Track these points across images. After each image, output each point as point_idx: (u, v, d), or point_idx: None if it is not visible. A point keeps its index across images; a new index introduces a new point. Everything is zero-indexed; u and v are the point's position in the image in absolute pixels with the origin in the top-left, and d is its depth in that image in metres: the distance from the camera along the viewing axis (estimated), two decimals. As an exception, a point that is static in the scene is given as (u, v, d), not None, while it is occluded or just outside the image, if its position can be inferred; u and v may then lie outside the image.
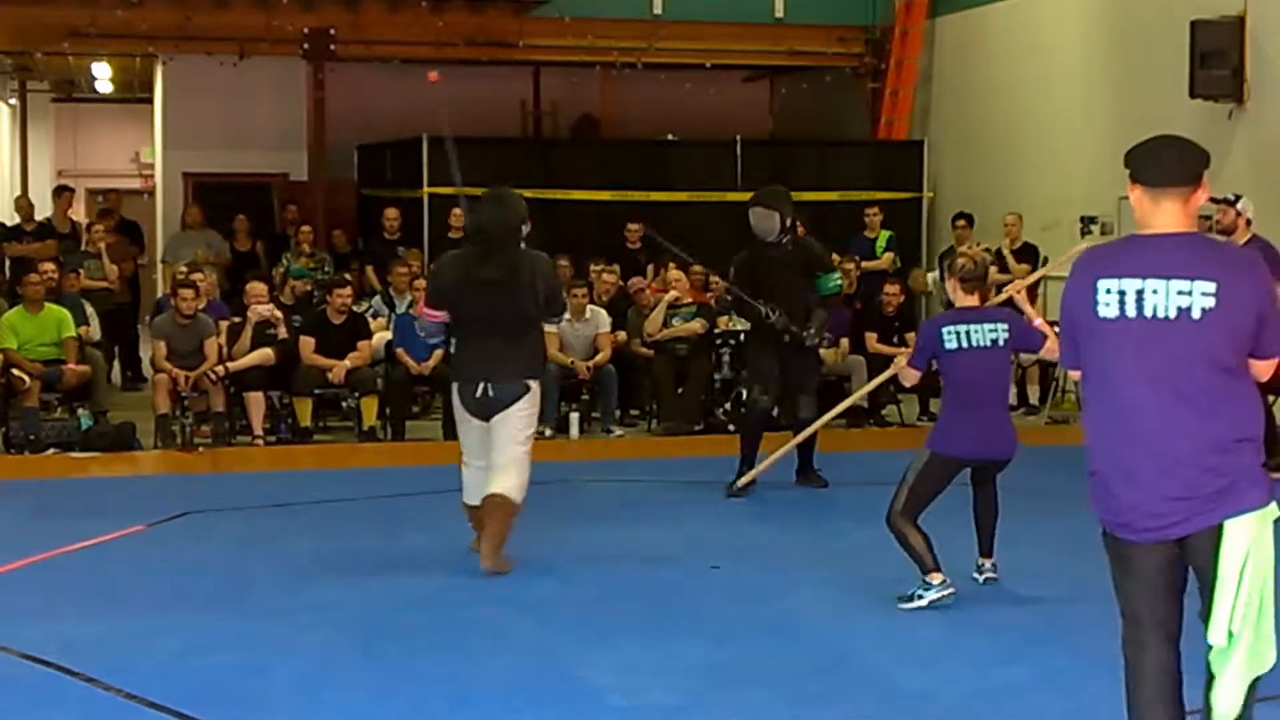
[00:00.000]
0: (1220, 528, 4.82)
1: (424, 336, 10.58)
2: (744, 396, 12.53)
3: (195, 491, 11.95)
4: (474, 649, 7.63)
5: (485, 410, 9.10)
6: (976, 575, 8.77)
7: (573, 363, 15.09)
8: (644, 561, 9.66)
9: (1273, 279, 4.95)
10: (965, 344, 8.45)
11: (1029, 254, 16.99)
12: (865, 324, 16.06)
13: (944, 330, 8.51)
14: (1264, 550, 4.86)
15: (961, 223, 17.63)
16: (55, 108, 29.98)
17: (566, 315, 15.17)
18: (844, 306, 16.14)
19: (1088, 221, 16.55)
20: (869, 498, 11.82)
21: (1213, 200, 13.63)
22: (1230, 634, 4.84)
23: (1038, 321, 8.89)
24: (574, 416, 15.11)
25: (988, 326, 8.48)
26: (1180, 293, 4.80)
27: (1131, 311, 4.84)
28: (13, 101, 26.60)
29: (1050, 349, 8.51)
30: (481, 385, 9.05)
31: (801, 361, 11.84)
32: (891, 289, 16.16)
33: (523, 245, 9.20)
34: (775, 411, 12.11)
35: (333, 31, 18.73)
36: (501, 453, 9.14)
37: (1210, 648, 4.91)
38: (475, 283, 9.01)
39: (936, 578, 8.24)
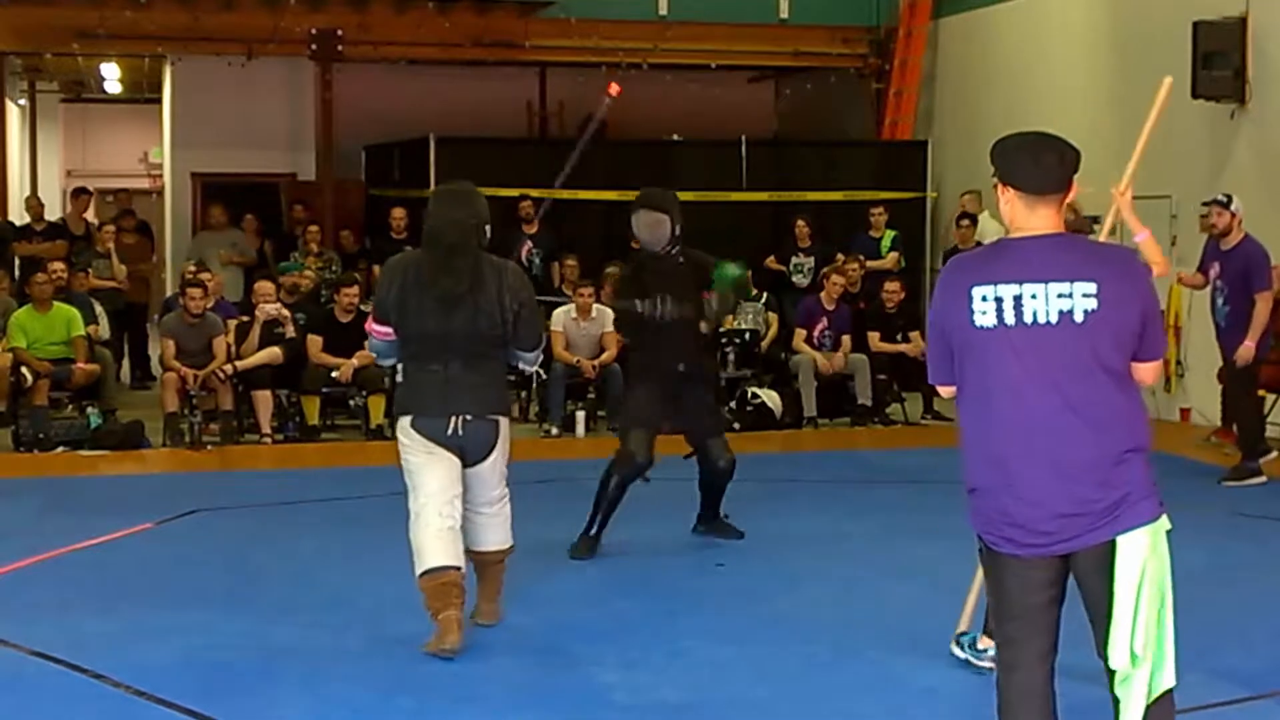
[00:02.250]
0: (1113, 544, 4.62)
1: (375, 360, 8.46)
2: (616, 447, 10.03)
3: (203, 489, 12.01)
4: (479, 646, 7.64)
5: (452, 444, 7.62)
6: None
7: (578, 361, 15.16)
8: (649, 559, 9.73)
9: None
10: None
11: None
12: (868, 322, 16.13)
13: None
14: (1159, 565, 4.67)
15: (965, 223, 17.68)
16: (64, 108, 30.01)
17: (572, 314, 15.26)
18: (847, 305, 16.24)
19: (1090, 221, 16.56)
20: (872, 496, 11.96)
21: (1205, 203, 13.74)
22: (1134, 655, 4.64)
23: (1141, 237, 8.12)
24: (580, 415, 15.20)
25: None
26: (1061, 295, 4.60)
27: (1010, 319, 4.62)
28: (22, 102, 26.65)
29: (1160, 272, 7.12)
30: (452, 422, 7.57)
31: (698, 398, 9.99)
32: (892, 287, 16.22)
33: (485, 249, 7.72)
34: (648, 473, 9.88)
35: (340, 32, 18.76)
36: (493, 500, 7.96)
37: (1113, 673, 4.72)
38: (431, 294, 7.50)
39: (986, 644, 7.26)
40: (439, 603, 7.44)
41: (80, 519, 10.71)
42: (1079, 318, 4.59)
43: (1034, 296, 4.60)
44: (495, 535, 8.01)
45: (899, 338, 16.03)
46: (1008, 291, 4.62)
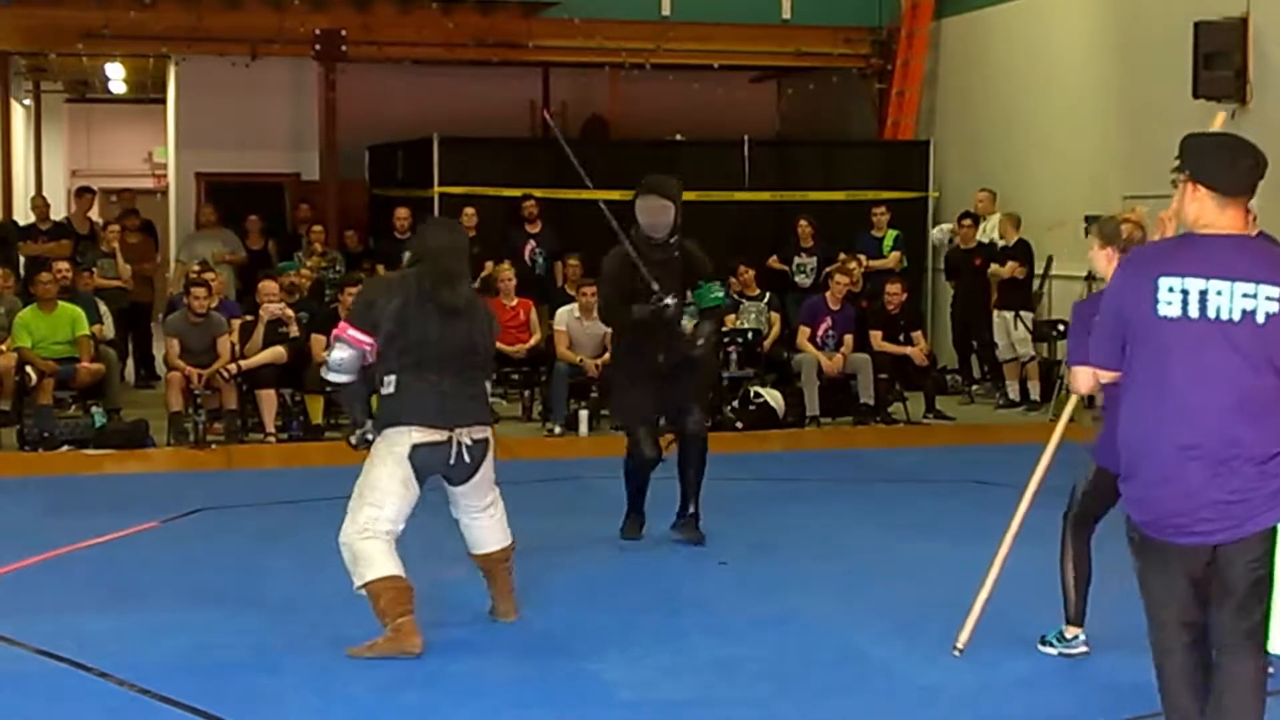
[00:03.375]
0: (1274, 530, 4.77)
1: (329, 369, 8.08)
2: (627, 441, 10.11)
3: (208, 488, 12.04)
4: (483, 644, 7.70)
5: (455, 475, 7.90)
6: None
7: (581, 361, 15.19)
8: (652, 557, 9.75)
9: None
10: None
11: (1023, 252, 17.07)
12: (871, 322, 16.17)
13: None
14: None
15: (967, 222, 17.72)
16: (69, 108, 30.07)
17: (575, 314, 15.30)
18: (851, 304, 16.27)
19: (1092, 221, 16.57)
20: (874, 494, 11.98)
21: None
22: None
23: None
24: (583, 414, 15.22)
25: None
26: (1245, 295, 4.76)
27: (1194, 312, 4.77)
28: (27, 102, 26.67)
29: None
30: (455, 445, 7.75)
31: (688, 377, 9.94)
32: (893, 288, 16.25)
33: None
34: (663, 456, 10.02)
35: (344, 32, 18.78)
36: (485, 505, 8.18)
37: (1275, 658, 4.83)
38: (432, 306, 7.76)
39: (1073, 632, 7.51)
40: (400, 607, 7.56)
41: (85, 518, 10.72)
42: (1260, 319, 4.76)
43: (1219, 293, 4.76)
44: (495, 536, 8.19)
45: (901, 338, 16.06)
46: (1194, 285, 4.78)
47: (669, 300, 9.49)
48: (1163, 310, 4.79)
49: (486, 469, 7.99)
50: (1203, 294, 4.76)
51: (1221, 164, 4.87)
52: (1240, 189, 4.88)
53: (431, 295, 7.74)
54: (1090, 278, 16.48)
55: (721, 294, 10.18)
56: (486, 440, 7.91)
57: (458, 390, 7.75)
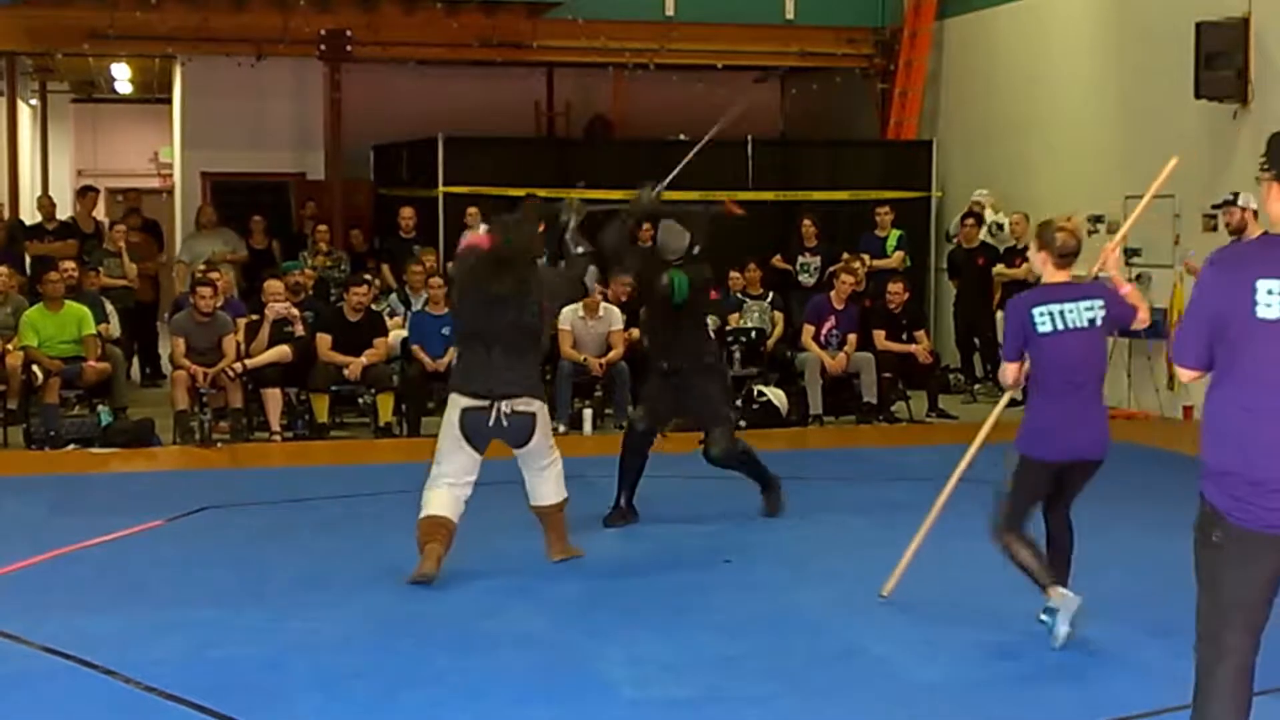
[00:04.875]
0: None
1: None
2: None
3: (213, 487, 12.05)
4: (488, 642, 7.71)
5: (497, 434, 9.00)
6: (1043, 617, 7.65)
7: (585, 360, 15.25)
8: (656, 556, 9.79)
9: None
10: (1060, 326, 7.49)
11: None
12: (874, 321, 16.21)
13: (1036, 311, 7.53)
14: None
15: (970, 222, 17.77)
16: (75, 108, 30.12)
17: (579, 313, 15.34)
18: (854, 303, 16.31)
19: (1094, 220, 16.64)
20: (877, 493, 12.01)
21: (1215, 206, 13.79)
22: None
23: (1127, 289, 7.84)
24: (587, 413, 15.28)
25: (1084, 304, 7.53)
26: None
27: None
28: (33, 102, 26.73)
29: (1141, 320, 7.78)
30: (495, 410, 8.89)
31: (698, 392, 10.69)
32: (895, 287, 16.28)
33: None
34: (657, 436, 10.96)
35: (349, 33, 18.84)
36: (543, 465, 9.31)
37: None
38: (483, 293, 8.95)
39: (1055, 594, 7.55)
40: (426, 536, 8.93)
41: (91, 516, 10.75)
42: None
43: None
44: (549, 489, 9.37)
45: (904, 337, 16.10)
46: None
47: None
48: (1261, 312, 4.76)
49: (539, 439, 9.11)
50: None
51: None
52: None
53: (480, 284, 8.95)
54: (1097, 277, 16.55)
55: (684, 279, 10.52)
56: (532, 414, 9.01)
57: (504, 364, 8.91)
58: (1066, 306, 7.51)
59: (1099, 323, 7.55)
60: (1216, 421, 4.90)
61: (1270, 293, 4.75)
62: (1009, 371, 7.74)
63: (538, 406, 9.08)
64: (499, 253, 9.04)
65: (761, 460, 10.95)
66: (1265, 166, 4.85)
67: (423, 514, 8.99)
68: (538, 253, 9.34)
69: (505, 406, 8.91)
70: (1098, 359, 7.70)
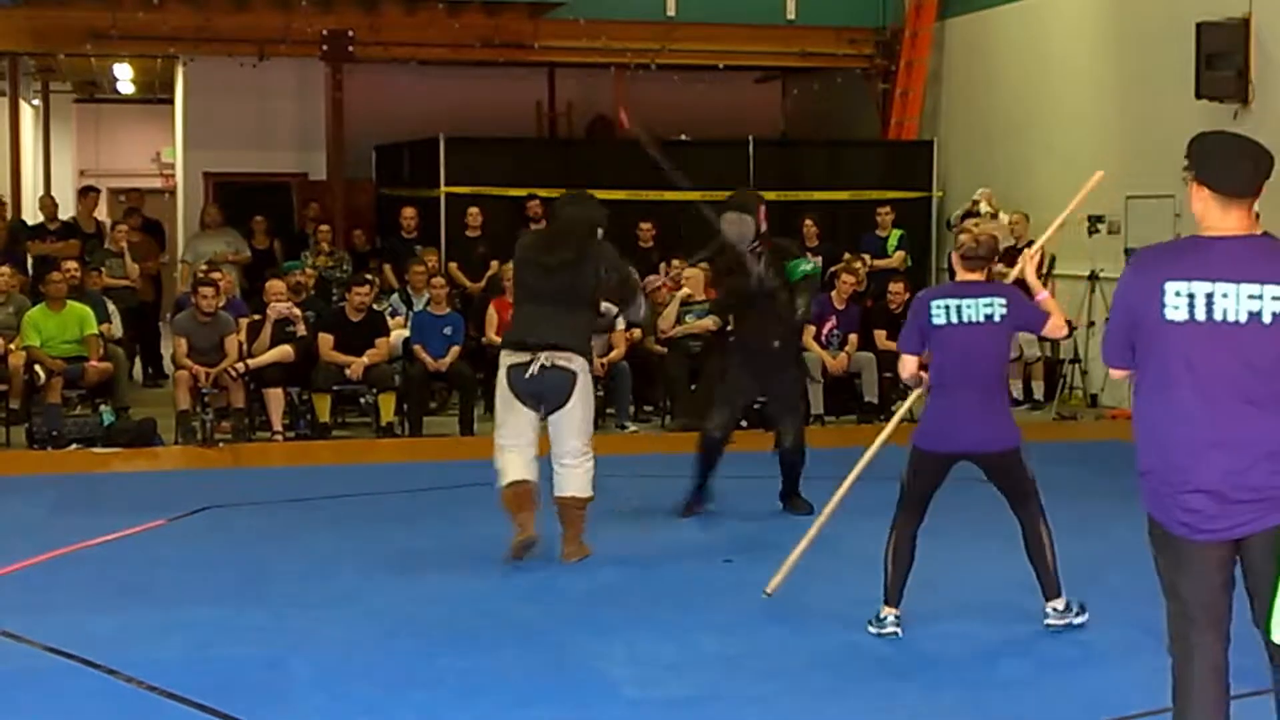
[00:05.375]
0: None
1: None
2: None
3: (215, 486, 12.07)
4: (490, 642, 7.73)
5: (536, 389, 9.19)
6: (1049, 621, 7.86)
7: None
8: (658, 555, 9.80)
9: None
10: (955, 319, 7.60)
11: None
12: (875, 321, 16.22)
13: (933, 304, 7.70)
14: None
15: (970, 220, 17.77)
16: (77, 108, 30.10)
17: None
18: (855, 303, 16.33)
19: (1095, 220, 16.65)
20: (878, 492, 12.00)
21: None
22: None
23: (1042, 296, 7.92)
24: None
25: (983, 301, 7.62)
26: (1251, 296, 4.76)
27: (1201, 315, 4.78)
28: (35, 102, 26.73)
29: (1055, 326, 7.81)
30: (532, 365, 9.15)
31: (782, 382, 10.98)
32: (896, 287, 16.30)
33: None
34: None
35: (351, 33, 18.85)
36: (569, 453, 9.38)
37: (1276, 646, 4.83)
38: (538, 264, 9.41)
39: (886, 612, 7.82)
40: (515, 506, 9.27)
41: (93, 516, 10.77)
42: (1267, 319, 4.76)
43: (1225, 295, 4.77)
44: (572, 485, 9.38)
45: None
46: (1200, 289, 4.79)
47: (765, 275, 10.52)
48: (1169, 315, 4.81)
49: (575, 410, 9.26)
50: (1209, 297, 4.78)
51: (1223, 165, 4.88)
52: (1242, 190, 4.89)
53: (538, 255, 9.44)
54: (1092, 276, 16.59)
55: (805, 268, 10.92)
56: (571, 372, 9.19)
57: (550, 319, 9.21)
58: (965, 302, 7.62)
59: (997, 319, 7.61)
60: (1137, 423, 5.00)
61: (1178, 294, 4.81)
62: (906, 364, 7.87)
63: (579, 365, 9.26)
64: (558, 224, 9.66)
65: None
66: (1186, 168, 4.92)
67: (502, 482, 9.30)
68: (598, 223, 9.58)
69: (545, 359, 9.16)
70: (994, 354, 7.72)
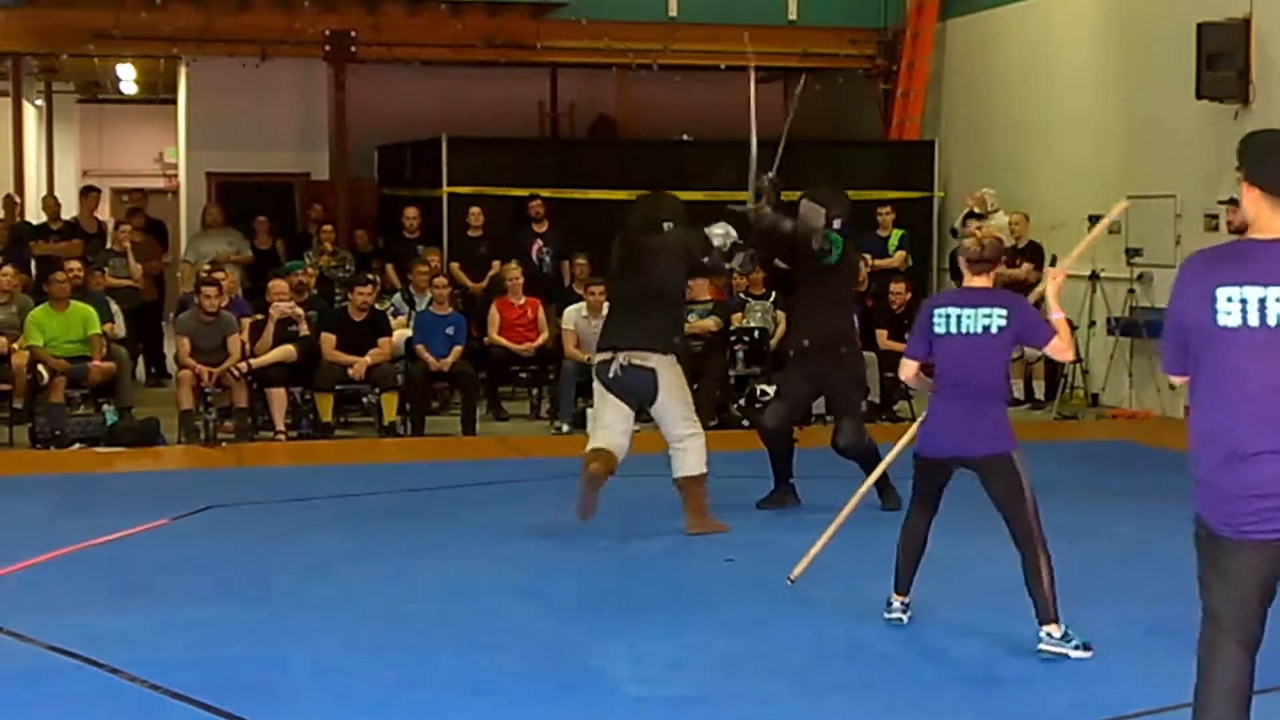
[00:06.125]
0: None
1: None
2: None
3: (218, 486, 12.07)
4: (492, 641, 7.73)
5: (622, 386, 10.09)
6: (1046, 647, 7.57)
7: (589, 359, 15.27)
8: (660, 554, 9.83)
9: None
10: (954, 329, 7.64)
11: (1034, 253, 17.16)
12: (876, 321, 16.24)
13: (935, 312, 7.76)
14: None
15: (972, 222, 17.78)
16: (80, 108, 30.11)
17: (583, 313, 15.39)
18: (856, 303, 16.34)
19: (1096, 220, 16.65)
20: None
21: (1221, 202, 13.78)
22: None
23: (1057, 316, 7.74)
24: (590, 412, 15.30)
25: (983, 311, 7.61)
26: None
27: (1254, 320, 4.69)
28: (39, 102, 26.76)
29: (1057, 348, 7.73)
30: (613, 366, 10.06)
31: (837, 381, 11.08)
32: (897, 287, 16.32)
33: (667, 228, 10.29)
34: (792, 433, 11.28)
35: (353, 33, 18.87)
36: (670, 438, 10.30)
37: None
38: (615, 272, 10.54)
39: (894, 599, 8.04)
40: (587, 455, 10.07)
41: (96, 515, 10.78)
42: None
43: (1278, 300, 4.68)
44: (681, 464, 10.27)
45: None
46: (1253, 294, 4.69)
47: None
48: (1222, 320, 4.73)
49: (666, 402, 10.16)
50: (1261, 302, 4.68)
51: (1276, 164, 4.75)
52: None
53: (616, 257, 10.46)
54: (1093, 276, 16.60)
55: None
56: (650, 369, 10.03)
57: (628, 321, 10.12)
58: (965, 311, 7.63)
59: (995, 330, 7.58)
60: (1193, 429, 4.92)
61: (1230, 300, 4.72)
62: (906, 367, 8.04)
63: (655, 361, 10.05)
64: (624, 233, 10.50)
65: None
66: (1239, 167, 4.83)
67: (586, 449, 10.18)
68: (663, 218, 10.31)
69: (623, 358, 10.03)
70: (989, 365, 7.67)
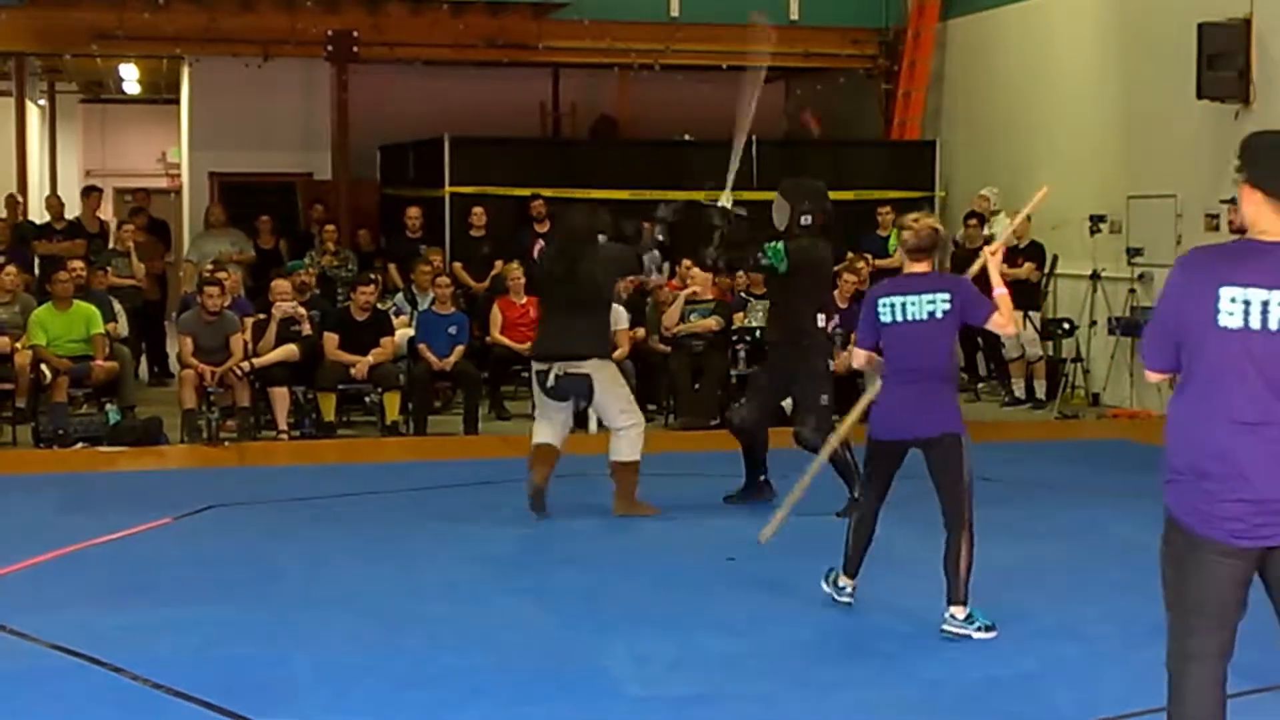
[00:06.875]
0: None
1: None
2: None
3: (221, 485, 12.09)
4: (493, 639, 7.75)
5: (560, 394, 10.70)
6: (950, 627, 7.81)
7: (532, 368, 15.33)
8: (661, 553, 9.83)
9: None
10: (900, 317, 7.87)
11: (1036, 252, 17.18)
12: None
13: (880, 302, 7.98)
14: None
15: (973, 222, 17.78)
16: (83, 108, 30.11)
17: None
18: (857, 303, 16.34)
19: (1097, 220, 16.69)
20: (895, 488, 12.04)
21: (1222, 201, 13.78)
22: None
23: (999, 293, 7.97)
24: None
25: (926, 298, 7.86)
26: None
27: (1256, 323, 4.64)
28: (42, 102, 26.76)
29: (999, 323, 7.95)
30: (550, 375, 10.62)
31: (800, 376, 10.98)
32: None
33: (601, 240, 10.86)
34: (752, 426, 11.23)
35: (355, 33, 18.90)
36: (617, 427, 10.84)
37: None
38: (547, 276, 11.04)
39: (845, 581, 8.32)
40: (532, 458, 10.77)
41: (99, 514, 10.80)
42: None
43: None
44: (615, 449, 10.80)
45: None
46: (1256, 296, 4.65)
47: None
48: (1223, 321, 4.67)
49: (602, 399, 10.78)
50: (1265, 305, 4.64)
51: (1276, 166, 4.71)
52: None
53: (546, 266, 11.00)
54: (1094, 276, 16.62)
55: (777, 251, 10.83)
56: (584, 376, 10.57)
57: (561, 330, 10.62)
58: (909, 299, 7.87)
59: (940, 316, 7.84)
60: (1175, 426, 4.86)
61: (1234, 300, 4.68)
62: (856, 355, 8.30)
63: (589, 367, 10.59)
64: (559, 237, 11.09)
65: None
66: (1239, 169, 4.80)
67: (532, 442, 10.83)
68: (596, 230, 10.83)
69: (559, 368, 10.58)
70: (936, 350, 7.92)
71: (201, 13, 18.90)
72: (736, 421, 11.23)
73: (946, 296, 7.85)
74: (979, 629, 7.70)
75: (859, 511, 8.33)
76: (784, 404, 12.45)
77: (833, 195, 19.10)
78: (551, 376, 10.61)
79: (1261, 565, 4.78)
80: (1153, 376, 5.03)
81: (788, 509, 9.15)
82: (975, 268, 8.56)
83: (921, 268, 8.03)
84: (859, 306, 15.90)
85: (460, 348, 15.23)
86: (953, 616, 7.74)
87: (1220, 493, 4.70)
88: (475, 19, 19.67)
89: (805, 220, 10.87)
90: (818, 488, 11.11)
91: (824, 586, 8.40)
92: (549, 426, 10.86)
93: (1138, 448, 13.60)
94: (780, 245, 10.72)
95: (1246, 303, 4.65)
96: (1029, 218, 15.02)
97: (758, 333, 16.32)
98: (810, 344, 10.99)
